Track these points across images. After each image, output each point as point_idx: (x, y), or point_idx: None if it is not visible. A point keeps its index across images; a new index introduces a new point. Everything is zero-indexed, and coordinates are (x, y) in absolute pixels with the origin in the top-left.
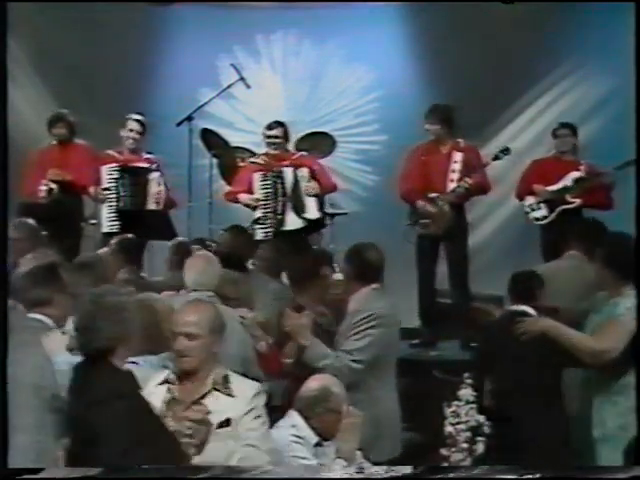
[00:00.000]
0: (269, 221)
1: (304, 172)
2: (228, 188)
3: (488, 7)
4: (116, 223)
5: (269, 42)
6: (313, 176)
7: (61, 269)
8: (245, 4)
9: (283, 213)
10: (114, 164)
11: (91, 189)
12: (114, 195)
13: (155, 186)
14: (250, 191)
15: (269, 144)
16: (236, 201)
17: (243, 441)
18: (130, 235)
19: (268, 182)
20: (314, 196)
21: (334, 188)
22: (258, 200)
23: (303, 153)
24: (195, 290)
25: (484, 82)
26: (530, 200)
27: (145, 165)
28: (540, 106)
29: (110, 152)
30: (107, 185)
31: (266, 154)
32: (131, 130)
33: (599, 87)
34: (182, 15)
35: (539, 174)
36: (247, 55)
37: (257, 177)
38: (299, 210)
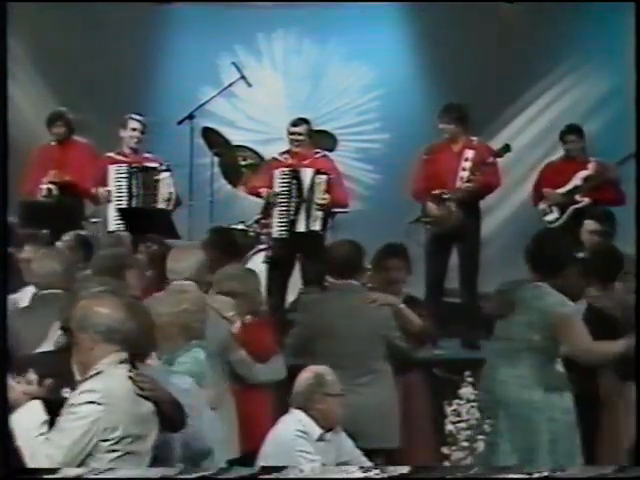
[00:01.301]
0: (284, 220)
1: (322, 180)
2: (229, 187)
3: (488, 7)
4: (122, 222)
5: (270, 41)
6: (328, 186)
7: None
8: (246, 3)
9: (297, 214)
10: (122, 164)
11: (92, 189)
12: (125, 194)
13: (166, 187)
14: (271, 187)
15: (292, 141)
16: (257, 194)
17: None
18: (84, 232)
19: (286, 180)
20: (322, 210)
21: (345, 204)
22: (276, 196)
23: (326, 153)
24: (173, 280)
25: (485, 81)
26: (543, 204)
27: (156, 165)
28: (540, 105)
29: (111, 154)
30: (115, 184)
31: (288, 152)
32: (134, 129)
33: (599, 86)
34: (183, 14)
35: (551, 177)
36: (248, 53)
37: (277, 174)
38: (307, 217)
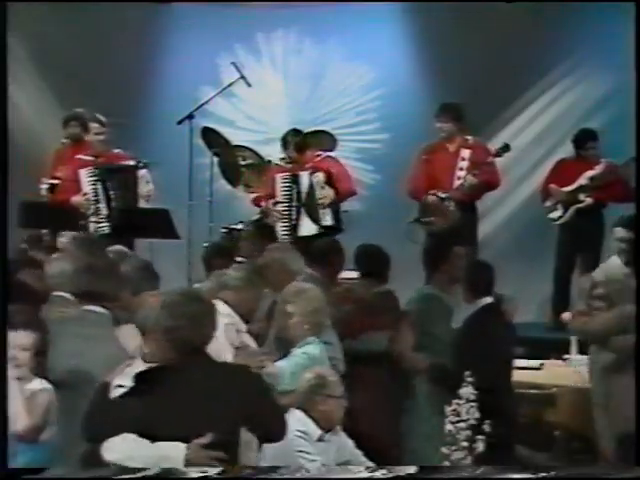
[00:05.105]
0: (286, 224)
1: (320, 177)
2: (229, 187)
3: (488, 7)
4: (107, 224)
5: (270, 40)
6: (330, 181)
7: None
8: (246, 3)
9: (297, 219)
10: (93, 167)
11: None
12: (102, 196)
13: (145, 184)
14: (274, 194)
15: (286, 149)
16: (260, 206)
17: None
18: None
19: (286, 186)
20: (328, 205)
21: (352, 193)
22: (277, 204)
23: (329, 154)
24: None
25: (485, 80)
26: (549, 201)
27: (132, 163)
28: (540, 105)
29: (81, 156)
30: (89, 188)
31: (290, 155)
32: (97, 134)
33: (599, 86)
34: (183, 14)
35: (560, 175)
36: (248, 53)
37: (278, 180)
38: (313, 217)
